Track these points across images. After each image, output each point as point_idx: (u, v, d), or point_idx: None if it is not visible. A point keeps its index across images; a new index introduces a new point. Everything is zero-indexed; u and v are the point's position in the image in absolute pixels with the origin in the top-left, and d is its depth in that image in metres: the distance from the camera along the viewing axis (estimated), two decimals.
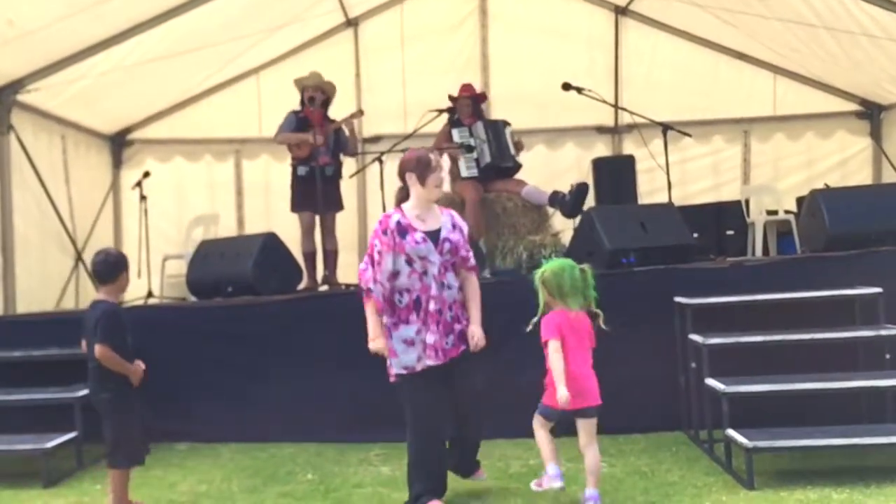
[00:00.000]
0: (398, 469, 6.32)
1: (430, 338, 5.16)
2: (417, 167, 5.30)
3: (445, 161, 9.13)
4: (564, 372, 5.06)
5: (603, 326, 5.22)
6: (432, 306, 5.18)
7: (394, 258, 5.20)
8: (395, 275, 5.21)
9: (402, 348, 5.21)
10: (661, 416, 6.85)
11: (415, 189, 5.33)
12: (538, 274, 5.27)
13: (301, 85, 9.08)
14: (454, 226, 5.40)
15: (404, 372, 5.22)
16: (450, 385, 5.26)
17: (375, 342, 5.25)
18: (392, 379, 5.35)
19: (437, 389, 5.21)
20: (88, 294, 9.64)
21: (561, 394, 5.00)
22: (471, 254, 5.48)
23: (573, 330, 5.16)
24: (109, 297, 5.45)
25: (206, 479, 6.39)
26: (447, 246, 5.28)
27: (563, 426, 5.28)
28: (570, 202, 8.45)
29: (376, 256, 5.23)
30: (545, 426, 5.22)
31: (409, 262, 5.20)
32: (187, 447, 7.30)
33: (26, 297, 8.81)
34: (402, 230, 5.22)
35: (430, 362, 5.17)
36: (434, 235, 5.27)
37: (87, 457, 6.81)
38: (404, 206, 5.38)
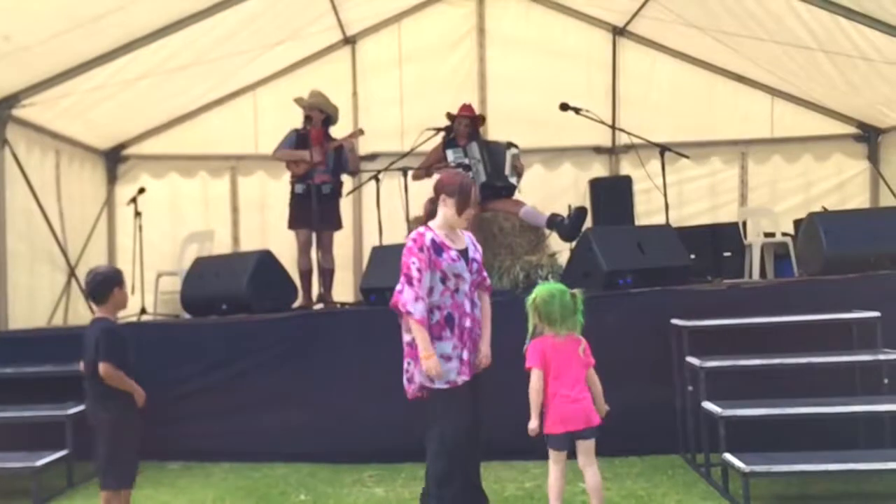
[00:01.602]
0: (392, 490, 6.30)
1: (465, 354, 5.22)
2: (460, 195, 5.32)
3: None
4: (554, 397, 5.14)
5: (581, 354, 5.20)
6: (466, 323, 5.26)
7: (430, 275, 5.20)
8: (428, 292, 5.20)
9: (440, 363, 5.17)
10: (657, 439, 6.80)
11: (447, 213, 5.35)
12: (529, 299, 5.29)
13: (299, 104, 9.06)
14: (475, 246, 5.50)
15: (445, 387, 5.18)
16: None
17: (431, 359, 5.11)
18: (413, 394, 5.32)
19: (470, 404, 5.26)
20: (80, 310, 9.62)
21: (531, 426, 5.14)
22: (486, 274, 5.57)
23: (560, 354, 5.18)
24: (107, 315, 5.38)
25: (198, 499, 6.34)
26: (475, 265, 5.40)
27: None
28: (568, 226, 8.40)
29: (415, 274, 5.15)
30: (558, 460, 5.20)
31: (444, 279, 5.23)
32: (179, 466, 7.25)
33: (18, 313, 8.74)
34: (438, 248, 5.24)
35: (466, 377, 5.20)
36: (464, 255, 5.34)
37: (77, 475, 6.77)
38: (432, 224, 5.38)
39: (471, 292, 5.32)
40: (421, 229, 5.34)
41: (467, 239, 5.49)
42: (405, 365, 5.33)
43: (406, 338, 5.31)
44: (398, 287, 5.21)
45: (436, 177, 9.04)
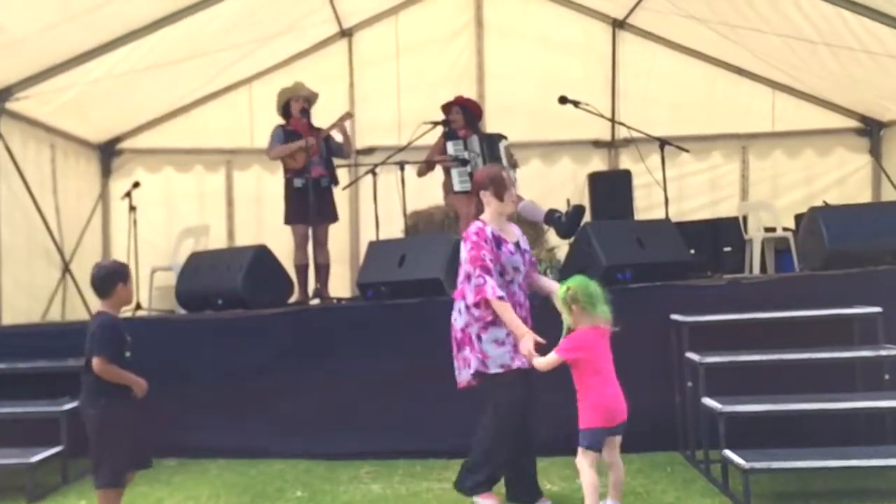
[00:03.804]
0: (388, 487, 6.26)
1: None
2: (493, 184, 5.53)
3: (440, 174, 9.08)
4: (600, 389, 4.97)
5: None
6: (521, 313, 5.40)
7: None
8: None
9: (492, 348, 5.33)
10: (656, 435, 6.72)
11: (492, 204, 5.54)
12: (562, 293, 5.10)
13: (290, 95, 8.98)
14: (523, 237, 5.71)
15: (500, 370, 5.32)
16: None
17: (526, 336, 5.16)
18: (468, 383, 5.48)
19: (525, 390, 5.35)
20: (76, 306, 9.57)
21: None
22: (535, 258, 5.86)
23: (599, 347, 5.03)
24: (109, 310, 5.32)
25: (194, 496, 6.29)
26: (528, 256, 5.61)
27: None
28: (566, 223, 8.34)
29: (490, 265, 5.32)
30: (594, 462, 5.03)
31: (503, 272, 5.40)
32: (175, 463, 7.18)
33: (12, 308, 8.70)
34: (497, 241, 5.42)
35: (520, 364, 5.28)
36: (518, 247, 5.53)
37: (72, 471, 6.72)
38: (483, 218, 5.53)
39: (524, 284, 5.52)
40: (479, 224, 5.47)
41: (517, 230, 5.68)
42: (463, 353, 5.45)
43: (458, 324, 5.46)
44: (479, 281, 5.28)
45: (439, 170, 9.04)
